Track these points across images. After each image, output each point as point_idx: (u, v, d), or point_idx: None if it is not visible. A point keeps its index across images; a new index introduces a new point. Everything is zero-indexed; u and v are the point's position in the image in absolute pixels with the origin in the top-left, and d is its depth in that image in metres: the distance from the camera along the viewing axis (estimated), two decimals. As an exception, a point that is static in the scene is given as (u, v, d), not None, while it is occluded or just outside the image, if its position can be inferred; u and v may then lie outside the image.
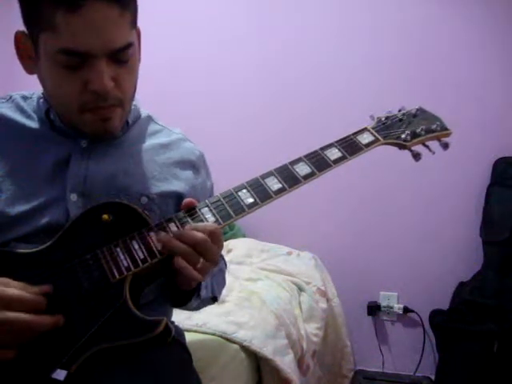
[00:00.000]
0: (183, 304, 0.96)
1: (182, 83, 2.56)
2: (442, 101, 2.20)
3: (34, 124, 0.95)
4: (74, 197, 0.90)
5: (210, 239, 0.81)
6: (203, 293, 0.97)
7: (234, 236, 2.45)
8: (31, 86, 1.00)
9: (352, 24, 2.38)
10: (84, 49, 0.80)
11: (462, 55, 2.27)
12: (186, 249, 0.80)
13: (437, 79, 2.28)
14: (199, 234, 0.80)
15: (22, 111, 0.96)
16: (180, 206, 0.87)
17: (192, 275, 0.80)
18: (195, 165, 1.05)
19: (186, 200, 0.87)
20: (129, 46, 0.84)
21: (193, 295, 0.93)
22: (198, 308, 1.04)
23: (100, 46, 0.80)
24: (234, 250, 2.25)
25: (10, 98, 0.99)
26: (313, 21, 2.42)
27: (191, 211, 0.85)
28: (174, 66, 2.58)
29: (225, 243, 2.27)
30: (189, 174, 1.02)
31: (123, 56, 0.85)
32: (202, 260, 0.81)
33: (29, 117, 0.96)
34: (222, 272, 1.13)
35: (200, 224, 0.83)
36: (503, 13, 2.20)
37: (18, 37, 0.87)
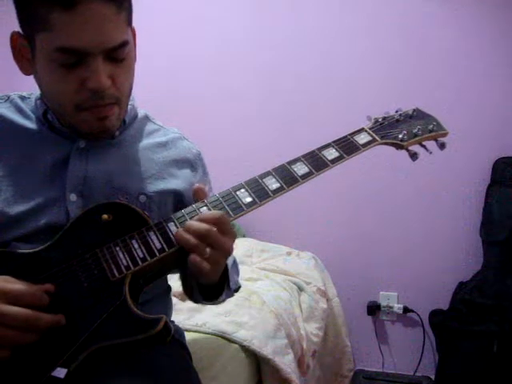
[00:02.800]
0: (214, 298, 0.96)
1: (181, 83, 2.56)
2: (442, 101, 2.21)
3: (32, 124, 0.95)
4: (73, 197, 0.90)
5: (217, 228, 0.80)
6: (232, 285, 0.97)
7: (234, 236, 2.44)
8: (30, 87, 1.00)
9: (351, 24, 2.38)
10: (80, 47, 0.80)
11: (462, 55, 2.26)
12: (193, 240, 0.79)
13: (437, 79, 2.28)
14: (203, 225, 0.80)
15: (21, 111, 0.96)
16: (178, 205, 0.87)
17: (200, 266, 0.79)
18: (192, 163, 1.05)
19: (196, 187, 0.87)
20: (125, 44, 0.84)
21: (223, 289, 0.93)
22: (223, 301, 1.02)
23: (96, 44, 0.80)
24: (234, 249, 2.23)
25: (8, 98, 0.99)
26: (312, 21, 2.42)
27: (189, 211, 0.86)
28: (173, 67, 2.58)
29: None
30: (186, 172, 1.03)
31: (119, 54, 0.85)
32: (209, 250, 0.80)
33: (27, 117, 0.96)
34: (236, 263, 1.12)
35: (206, 213, 0.83)
36: (503, 13, 2.20)
37: (14, 38, 0.87)
